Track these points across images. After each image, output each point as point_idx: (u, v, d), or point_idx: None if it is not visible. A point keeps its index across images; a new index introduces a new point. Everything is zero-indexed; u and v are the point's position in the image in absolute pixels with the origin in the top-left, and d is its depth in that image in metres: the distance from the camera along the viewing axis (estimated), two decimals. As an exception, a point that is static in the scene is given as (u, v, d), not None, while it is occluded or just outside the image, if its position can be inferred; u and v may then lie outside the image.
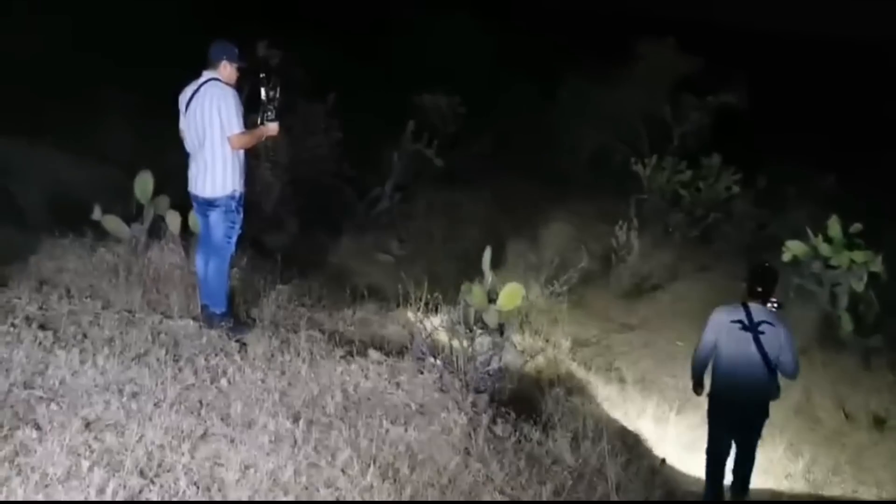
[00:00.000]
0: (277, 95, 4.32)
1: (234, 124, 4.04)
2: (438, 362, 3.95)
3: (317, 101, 8.48)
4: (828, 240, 7.80)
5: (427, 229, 10.72)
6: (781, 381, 4.41)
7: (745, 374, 4.22)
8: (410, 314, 5.70)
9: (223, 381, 3.51)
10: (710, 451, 4.48)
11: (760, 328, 4.20)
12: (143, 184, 5.13)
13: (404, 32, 17.58)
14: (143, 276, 4.76)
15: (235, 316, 4.50)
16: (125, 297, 4.40)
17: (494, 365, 3.87)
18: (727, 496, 4.43)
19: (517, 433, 3.65)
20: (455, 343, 4.00)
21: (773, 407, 6.73)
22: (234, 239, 4.26)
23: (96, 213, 5.07)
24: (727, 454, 4.40)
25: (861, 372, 7.45)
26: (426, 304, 6.63)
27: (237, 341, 4.10)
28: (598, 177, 13.95)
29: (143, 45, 11.09)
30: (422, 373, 3.94)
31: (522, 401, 4.12)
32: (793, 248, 8.02)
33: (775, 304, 4.40)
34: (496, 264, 10.00)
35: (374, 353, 4.18)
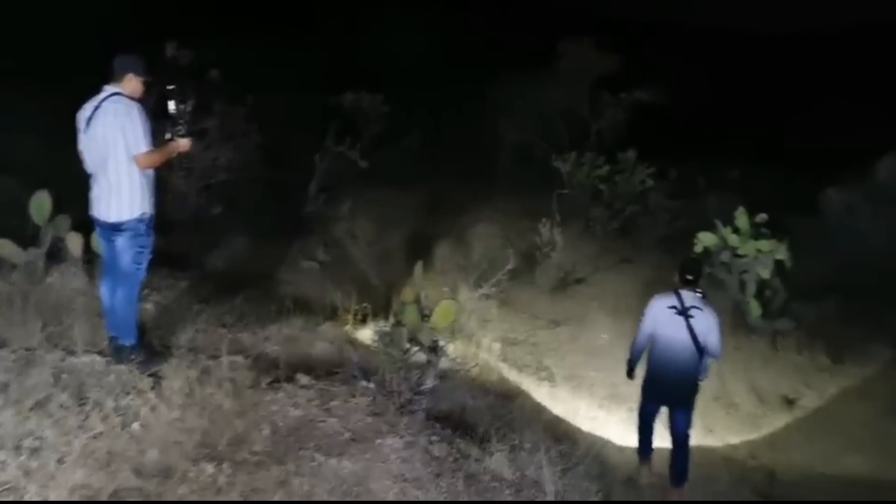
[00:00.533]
0: (188, 109, 4.10)
1: (141, 143, 3.79)
2: (371, 385, 3.85)
3: (235, 102, 8.13)
4: (736, 230, 8.16)
5: (352, 232, 10.54)
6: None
7: (677, 353, 4.77)
8: (339, 329, 5.56)
9: (135, 426, 3.29)
10: (641, 418, 5.15)
11: (690, 312, 4.76)
12: (40, 204, 4.77)
13: (328, 30, 17.25)
14: (42, 306, 4.41)
15: (147, 346, 4.23)
16: (22, 333, 4.06)
17: (429, 383, 3.81)
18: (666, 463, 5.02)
19: (455, 452, 3.60)
20: (387, 363, 3.90)
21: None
22: (144, 264, 4.00)
23: (-14, 238, 4.68)
24: (654, 419, 5.10)
25: (770, 354, 7.85)
26: (355, 315, 6.52)
27: (150, 376, 3.86)
28: (521, 173, 14.13)
29: (54, 49, 10.41)
30: (354, 396, 3.83)
31: (458, 416, 4.08)
32: (704, 239, 8.35)
33: (701, 294, 4.95)
34: (424, 266, 10.07)
35: (302, 378, 4.03)
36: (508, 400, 4.87)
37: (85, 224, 5.12)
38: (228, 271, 7.68)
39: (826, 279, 9.39)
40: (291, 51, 17.29)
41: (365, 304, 7.92)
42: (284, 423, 3.56)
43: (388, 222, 11.40)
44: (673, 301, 4.83)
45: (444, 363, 4.02)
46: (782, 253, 7.74)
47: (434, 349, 3.92)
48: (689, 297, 4.83)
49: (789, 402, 6.82)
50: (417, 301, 4.07)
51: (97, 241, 4.81)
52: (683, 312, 4.76)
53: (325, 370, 4.43)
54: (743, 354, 7.78)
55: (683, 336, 4.75)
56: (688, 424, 4.95)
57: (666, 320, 4.81)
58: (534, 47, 14.85)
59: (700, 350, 4.78)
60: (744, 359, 7.69)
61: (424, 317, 4.00)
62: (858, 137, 15.74)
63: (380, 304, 8.37)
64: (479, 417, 4.15)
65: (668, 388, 4.90)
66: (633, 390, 7.11)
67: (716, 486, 5.16)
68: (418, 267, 4.31)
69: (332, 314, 6.32)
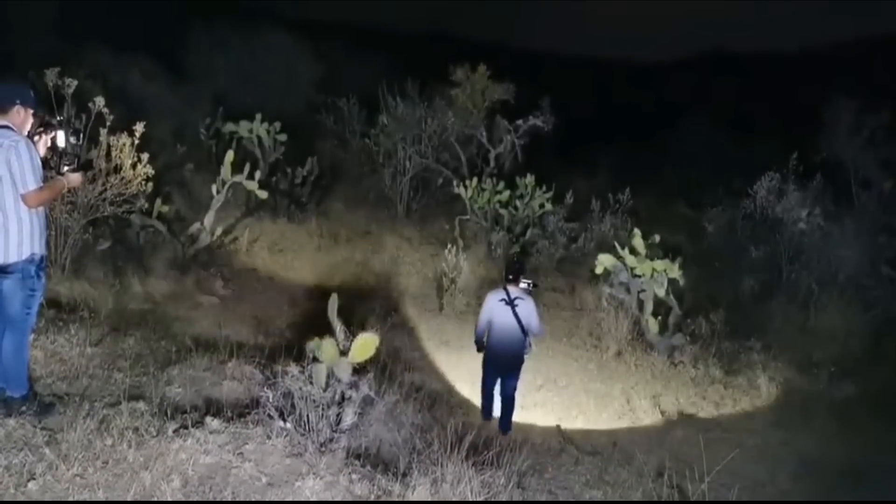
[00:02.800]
0: (79, 142, 3.84)
1: (30, 180, 3.49)
2: (289, 425, 3.69)
3: (122, 131, 7.69)
4: (633, 251, 8.57)
5: (251, 265, 10.19)
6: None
7: (508, 334, 6.14)
8: (247, 367, 5.32)
9: (31, 486, 2.99)
10: (483, 386, 6.45)
11: (515, 302, 6.12)
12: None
13: (218, 53, 16.73)
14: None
15: (37, 397, 3.87)
16: None
17: (348, 420, 3.71)
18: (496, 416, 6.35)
19: (376, 489, 3.51)
20: (304, 401, 3.76)
21: (601, 413, 7.27)
22: (35, 309, 3.68)
23: None
24: (494, 387, 6.39)
25: (669, 370, 8.25)
26: (262, 350, 6.28)
27: (44, 429, 3.53)
28: (421, 200, 14.24)
29: None
30: (270, 438, 3.65)
31: (378, 451, 3.98)
32: (604, 260, 8.71)
33: (532, 284, 6.42)
34: (325, 295, 9.88)
35: (212, 422, 3.81)
36: (426, 431, 4.81)
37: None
38: (120, 310, 7.20)
39: (713, 295, 10.05)
40: (180, 78, 16.69)
41: (272, 338, 7.71)
42: (195, 471, 3.34)
43: (288, 253, 11.13)
44: (502, 295, 6.19)
45: (361, 398, 3.92)
46: (676, 272, 8.19)
47: (354, 385, 3.82)
48: (514, 290, 6.18)
49: (689, 417, 7.16)
50: (333, 335, 3.97)
51: None
52: (510, 303, 6.10)
53: (237, 412, 4.21)
54: (644, 371, 8.15)
55: (511, 321, 6.08)
56: (514, 387, 6.31)
57: (498, 310, 6.14)
58: (423, 74, 15.12)
59: (524, 331, 6.12)
60: (645, 376, 8.05)
61: (342, 352, 3.90)
62: (728, 159, 17.11)
63: (287, 338, 8.16)
64: (400, 451, 4.07)
65: (503, 360, 6.23)
66: (546, 407, 7.31)
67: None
68: (333, 299, 4.20)
69: (239, 352, 6.05)
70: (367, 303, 9.20)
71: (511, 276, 6.27)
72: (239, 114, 13.22)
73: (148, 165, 7.88)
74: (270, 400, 3.79)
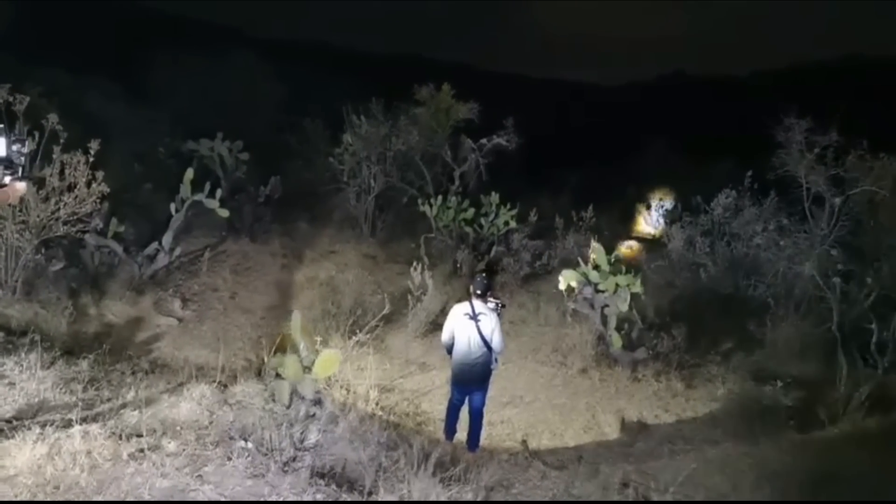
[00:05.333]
0: (24, 149, 3.72)
1: None
2: (250, 445, 3.60)
3: (77, 149, 7.52)
4: (596, 267, 8.66)
5: (212, 285, 10.01)
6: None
7: (472, 349, 6.09)
8: (206, 387, 5.19)
9: (-24, 514, 2.86)
10: (449, 403, 6.38)
11: (479, 317, 6.09)
12: None
13: (180, 73, 16.54)
14: None
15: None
16: None
17: (312, 438, 3.63)
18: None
19: (340, 509, 3.44)
20: (266, 420, 3.67)
21: (566, 428, 7.28)
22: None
23: None
24: (461, 404, 6.32)
25: (632, 385, 8.32)
26: (222, 370, 6.15)
27: (-9, 455, 3.39)
28: (386, 218, 14.20)
29: None
30: (230, 459, 3.55)
31: (343, 470, 3.90)
32: (567, 276, 8.76)
33: (501, 304, 6.46)
34: (288, 314, 9.73)
35: (169, 444, 3.70)
36: (392, 449, 4.74)
37: None
38: (74, 334, 7.00)
39: (673, 309, 10.21)
40: (140, 98, 16.46)
41: (233, 359, 7.56)
42: (152, 496, 3.23)
43: (250, 273, 10.97)
44: (467, 309, 6.15)
45: (325, 415, 3.85)
46: (638, 287, 8.29)
47: (318, 402, 3.75)
48: (479, 305, 6.15)
49: (651, 429, 7.22)
50: (296, 352, 3.90)
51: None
52: (474, 317, 6.09)
53: (195, 434, 4.10)
54: (608, 386, 8.20)
55: (475, 336, 6.06)
56: (482, 403, 6.27)
57: (462, 324, 6.12)
58: (386, 94, 15.17)
59: (488, 346, 6.07)
60: (609, 390, 8.10)
61: (304, 368, 3.83)
62: (685, 179, 17.52)
63: (248, 359, 8.01)
64: (365, 470, 4.00)
65: (468, 375, 6.15)
66: (512, 424, 7.28)
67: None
68: (296, 316, 4.13)
69: (198, 373, 5.91)
70: (330, 321, 9.09)
71: (479, 292, 6.23)
72: (201, 133, 13.06)
73: (103, 184, 7.71)
74: (231, 419, 3.68)
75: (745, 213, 9.71)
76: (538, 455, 6.27)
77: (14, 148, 3.66)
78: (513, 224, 12.50)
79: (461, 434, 6.42)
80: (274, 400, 3.72)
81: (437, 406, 7.58)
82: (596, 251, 8.78)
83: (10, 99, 7.67)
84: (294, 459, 3.54)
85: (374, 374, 7.85)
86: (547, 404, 7.71)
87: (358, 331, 9.05)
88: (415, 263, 9.76)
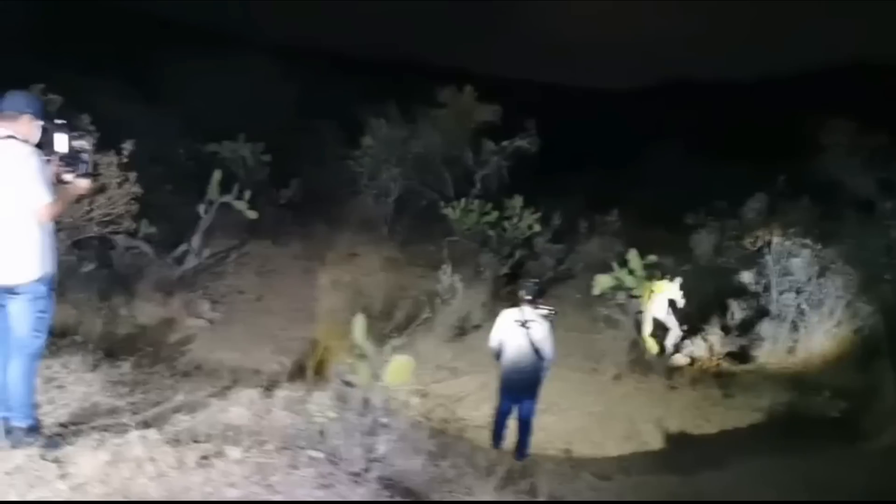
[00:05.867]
0: (87, 145, 3.61)
1: (43, 192, 3.27)
2: (320, 454, 3.49)
3: (109, 151, 7.44)
4: (631, 272, 8.55)
5: (238, 287, 9.92)
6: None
7: (521, 357, 5.89)
8: (252, 392, 5.09)
9: (51, 524, 2.75)
10: (498, 411, 6.16)
11: (528, 325, 5.88)
12: None
13: (193, 75, 16.47)
14: None
15: (42, 427, 3.60)
16: None
17: (382, 448, 3.52)
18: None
19: (414, 522, 3.33)
20: (335, 428, 3.55)
21: (606, 437, 7.15)
22: (45, 332, 3.43)
23: None
24: (509, 413, 6.10)
25: (669, 391, 8.20)
26: (259, 373, 6.05)
27: (55, 462, 3.27)
28: (406, 221, 14.10)
29: None
30: (297, 468, 3.44)
31: (409, 481, 3.79)
32: (602, 281, 8.67)
33: (553, 312, 6.27)
34: (316, 319, 9.62)
35: (232, 451, 3.58)
36: (441, 458, 4.62)
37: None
38: (108, 334, 6.90)
39: (705, 316, 10.07)
40: (154, 99, 16.38)
41: (269, 364, 7.46)
42: (216, 505, 3.12)
43: (274, 275, 10.89)
44: (516, 315, 5.96)
45: (397, 425, 3.73)
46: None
47: (390, 411, 3.64)
48: (529, 311, 5.96)
49: (691, 439, 7.09)
50: (366, 358, 3.79)
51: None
52: (524, 324, 5.88)
53: (253, 440, 3.99)
54: (644, 393, 8.08)
55: (525, 343, 5.86)
56: (531, 411, 6.09)
57: (511, 331, 5.94)
58: (403, 97, 15.10)
59: (538, 354, 5.88)
60: (646, 398, 7.97)
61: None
62: (701, 184, 17.37)
63: (281, 361, 7.91)
64: (431, 482, 3.89)
65: (518, 383, 5.97)
66: (549, 431, 7.15)
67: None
68: (359, 320, 4.02)
69: (238, 376, 5.82)
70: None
71: (529, 297, 6.08)
72: (215, 135, 13.00)
73: (136, 184, 7.64)
74: (284, 425, 3.57)
75: (780, 218, 9.56)
76: (582, 465, 6.15)
77: (76, 144, 3.55)
78: (536, 227, 12.38)
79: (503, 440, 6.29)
80: (344, 408, 3.60)
81: (472, 412, 7.46)
82: (630, 257, 8.68)
83: (46, 100, 7.60)
84: (366, 471, 3.42)
85: (410, 381, 7.75)
86: (583, 412, 7.59)
87: (387, 335, 8.98)
88: (443, 267, 9.64)
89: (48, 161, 3.41)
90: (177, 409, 4.59)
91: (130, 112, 14.40)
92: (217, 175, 9.49)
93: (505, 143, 13.57)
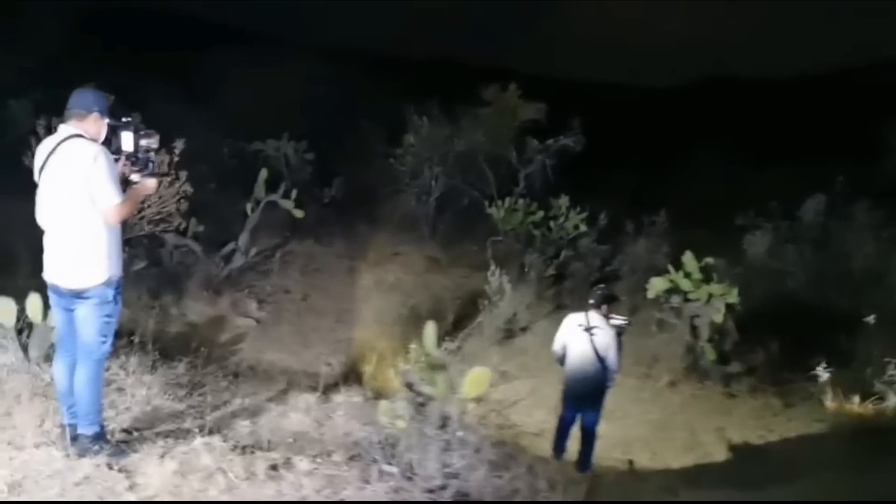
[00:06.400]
0: (153, 144, 3.51)
1: (112, 193, 3.18)
2: (394, 468, 3.34)
3: (159, 150, 7.39)
4: (686, 275, 8.25)
5: (284, 286, 9.86)
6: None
7: (585, 363, 5.69)
8: (309, 396, 4.98)
9: (125, 540, 2.65)
10: (560, 420, 5.95)
11: (593, 331, 5.67)
12: (-38, 267, 3.96)
13: (235, 75, 16.56)
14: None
15: (107, 434, 3.52)
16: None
17: (459, 462, 3.36)
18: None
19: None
20: (416, 441, 3.38)
21: (665, 447, 6.89)
22: (111, 337, 3.34)
23: None
24: (572, 422, 5.89)
25: (727, 400, 7.89)
26: (313, 376, 5.95)
27: (122, 471, 3.18)
28: (447, 220, 13.93)
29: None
30: (368, 482, 3.29)
31: (482, 494, 3.62)
32: (656, 284, 8.38)
33: (627, 322, 6.03)
34: (363, 319, 9.52)
35: (301, 462, 3.46)
36: (504, 469, 4.43)
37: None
38: (161, 333, 6.86)
39: (758, 320, 9.71)
40: (195, 98, 16.49)
41: (315, 363, 7.37)
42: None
43: (319, 274, 10.82)
44: (581, 320, 5.76)
45: (475, 439, 3.57)
46: (734, 297, 7.87)
47: (464, 424, 3.48)
48: (595, 318, 5.74)
49: (758, 451, 6.79)
50: (442, 367, 3.63)
51: (35, 307, 4.08)
52: (588, 329, 5.67)
53: (319, 449, 3.87)
54: (701, 401, 7.79)
55: (588, 350, 5.66)
56: (595, 421, 5.85)
57: (575, 336, 5.74)
58: (445, 95, 14.91)
59: (602, 361, 5.67)
60: (704, 406, 7.69)
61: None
62: (744, 184, 16.86)
63: (330, 363, 7.82)
64: (500, 495, 3.71)
65: (581, 391, 5.78)
66: (606, 440, 6.91)
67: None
68: (430, 327, 3.85)
69: (293, 380, 5.72)
70: (406, 327, 8.85)
71: (593, 302, 5.86)
72: (257, 134, 13.00)
73: (187, 183, 7.62)
74: (376, 440, 3.42)
75: (852, 220, 9.14)
76: (645, 478, 5.92)
77: (142, 143, 3.45)
78: (583, 227, 12.09)
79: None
80: (422, 420, 3.43)
81: (525, 418, 7.29)
82: (686, 259, 8.38)
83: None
84: (442, 488, 3.26)
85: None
86: (640, 419, 7.33)
87: (447, 338, 8.81)
88: (491, 268, 9.44)
89: (115, 160, 3.32)
90: (236, 414, 4.50)
91: (175, 111, 14.53)
92: (263, 174, 9.45)
93: (550, 141, 13.28)
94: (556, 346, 5.93)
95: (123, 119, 3.42)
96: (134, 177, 3.43)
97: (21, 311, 4.15)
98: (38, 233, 3.42)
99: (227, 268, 8.99)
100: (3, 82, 11.17)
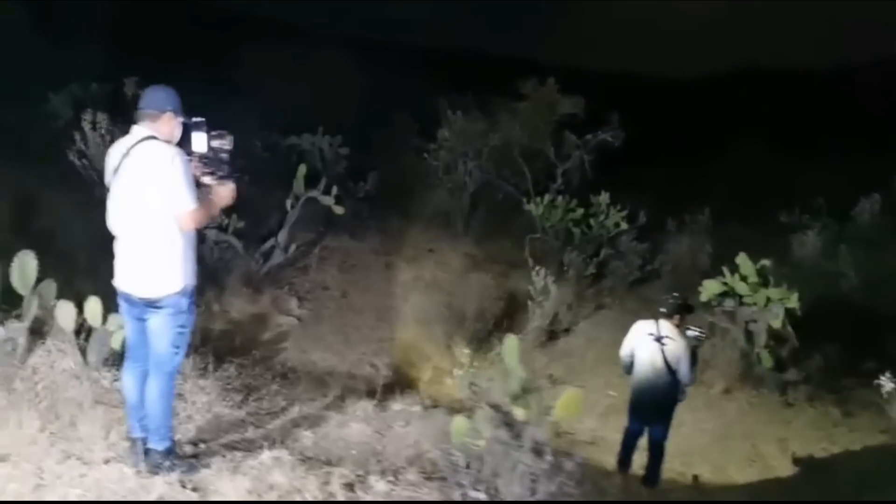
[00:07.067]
0: (227, 146, 3.31)
1: (188, 197, 3.01)
2: (481, 494, 3.14)
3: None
4: (743, 278, 7.95)
5: (322, 283, 9.70)
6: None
7: (653, 374, 5.42)
8: (367, 404, 4.80)
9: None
10: (626, 432, 5.73)
11: (664, 341, 5.40)
12: (24, 268, 3.81)
13: (266, 68, 16.42)
14: (34, 398, 3.47)
15: (176, 448, 3.36)
16: (18, 438, 3.12)
17: (547, 488, 3.15)
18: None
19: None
20: (506, 465, 3.17)
21: (726, 459, 6.63)
22: (184, 348, 3.18)
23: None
24: (639, 435, 5.67)
25: (785, 409, 7.61)
26: (364, 380, 5.79)
27: (195, 490, 3.02)
28: (481, 216, 13.70)
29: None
30: (450, 506, 3.11)
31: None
32: (709, 287, 8.10)
33: (704, 335, 5.81)
34: (403, 318, 9.33)
35: (377, 481, 3.27)
36: (579, 484, 4.22)
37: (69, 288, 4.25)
38: (206, 332, 6.74)
39: (812, 325, 9.38)
40: (227, 92, 16.37)
41: (367, 370, 7.21)
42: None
43: (356, 271, 10.65)
44: (651, 328, 5.48)
45: (571, 467, 3.35)
46: (794, 301, 7.56)
47: (550, 449, 3.27)
48: (666, 327, 5.46)
49: (824, 465, 6.50)
50: (536, 390, 3.42)
51: (94, 311, 3.94)
52: (658, 339, 5.40)
53: (388, 465, 3.69)
54: (760, 410, 7.51)
55: (658, 360, 5.39)
56: (663, 436, 5.61)
57: (644, 344, 5.47)
58: (479, 89, 14.65)
59: (673, 373, 5.39)
60: (761, 415, 7.41)
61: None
62: (785, 181, 16.40)
63: (374, 364, 7.66)
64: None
65: (648, 403, 5.53)
66: (668, 453, 6.67)
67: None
68: (512, 342, 3.64)
69: (346, 385, 5.56)
70: (449, 327, 8.68)
71: (665, 311, 5.56)
72: (290, 128, 12.83)
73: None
74: (465, 465, 3.22)
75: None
76: (711, 494, 5.68)
77: (215, 144, 3.26)
78: (624, 225, 11.79)
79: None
80: (520, 444, 3.22)
81: (577, 425, 7.05)
82: (741, 261, 8.08)
83: (140, 92, 7.47)
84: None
85: (504, 388, 7.39)
86: (696, 429, 7.07)
87: (480, 341, 8.60)
88: (535, 267, 9.20)
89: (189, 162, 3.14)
90: (296, 423, 4.34)
91: (208, 105, 14.43)
92: (302, 169, 9.28)
93: (588, 136, 12.98)
94: (624, 352, 5.66)
95: (195, 118, 3.22)
96: (206, 179, 3.24)
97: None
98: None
99: (266, 264, 8.84)
100: (44, 76, 11.13)
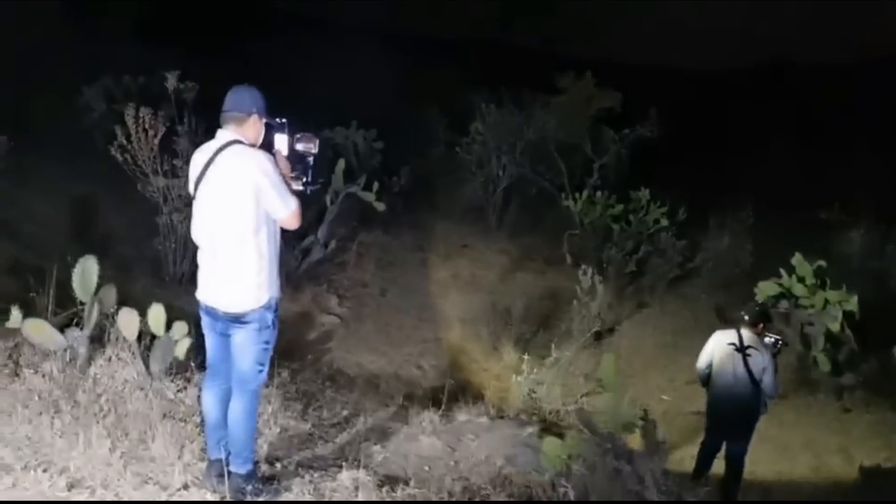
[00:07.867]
0: (313, 149, 3.11)
1: (289, 197, 2.84)
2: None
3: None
4: (800, 279, 7.69)
5: (360, 280, 9.54)
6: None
7: (735, 386, 5.17)
8: (433, 415, 4.61)
9: None
10: (703, 446, 5.46)
11: (748, 351, 5.17)
12: (86, 274, 3.65)
13: (299, 61, 16.25)
14: (98, 411, 3.32)
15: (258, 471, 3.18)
16: (86, 459, 2.96)
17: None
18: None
19: None
20: (590, 485, 3.00)
21: (791, 468, 6.39)
22: (267, 365, 3.01)
23: (14, 318, 3.53)
24: (717, 451, 5.40)
25: (843, 414, 7.36)
26: (421, 386, 5.61)
27: (277, 515, 2.86)
28: (514, 211, 13.46)
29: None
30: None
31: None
32: (765, 288, 7.83)
33: (782, 342, 5.50)
34: (445, 317, 9.14)
35: (464, 505, 3.10)
36: (664, 494, 4.02)
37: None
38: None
39: (863, 327, 9.08)
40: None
41: (417, 374, 7.04)
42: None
43: (394, 268, 10.48)
44: (733, 338, 5.25)
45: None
46: (853, 304, 7.29)
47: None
48: (749, 337, 5.23)
49: (887, 474, 6.26)
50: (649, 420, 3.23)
51: (157, 318, 3.78)
52: (741, 350, 5.16)
53: (467, 484, 3.51)
54: (818, 417, 7.26)
55: (740, 371, 5.14)
56: (743, 451, 5.37)
57: (725, 355, 5.22)
58: (514, 83, 14.37)
59: (756, 385, 5.15)
60: (820, 421, 7.17)
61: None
62: (824, 176, 15.98)
63: (420, 366, 7.48)
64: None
65: (727, 417, 5.28)
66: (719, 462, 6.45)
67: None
68: (609, 360, 3.44)
69: (406, 392, 5.39)
70: (493, 328, 8.48)
71: (749, 319, 5.32)
72: (320, 122, 12.63)
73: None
74: (568, 487, 3.04)
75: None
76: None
77: (298, 147, 3.07)
78: (664, 222, 11.51)
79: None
80: (570, 454, 3.04)
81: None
82: (797, 262, 7.81)
83: (181, 86, 7.34)
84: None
85: (557, 392, 7.19)
86: (755, 435, 6.82)
87: (526, 343, 8.38)
88: (583, 267, 8.95)
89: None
90: (363, 436, 4.16)
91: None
92: (341, 164, 9.12)
93: (626, 130, 12.69)
94: (701, 364, 5.40)
95: (279, 120, 3.03)
96: (296, 185, 3.05)
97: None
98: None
99: (305, 261, 8.69)
100: (76, 70, 11.03)
